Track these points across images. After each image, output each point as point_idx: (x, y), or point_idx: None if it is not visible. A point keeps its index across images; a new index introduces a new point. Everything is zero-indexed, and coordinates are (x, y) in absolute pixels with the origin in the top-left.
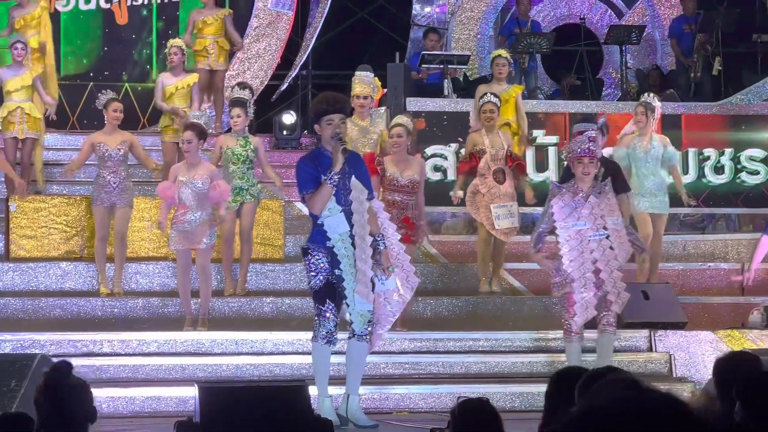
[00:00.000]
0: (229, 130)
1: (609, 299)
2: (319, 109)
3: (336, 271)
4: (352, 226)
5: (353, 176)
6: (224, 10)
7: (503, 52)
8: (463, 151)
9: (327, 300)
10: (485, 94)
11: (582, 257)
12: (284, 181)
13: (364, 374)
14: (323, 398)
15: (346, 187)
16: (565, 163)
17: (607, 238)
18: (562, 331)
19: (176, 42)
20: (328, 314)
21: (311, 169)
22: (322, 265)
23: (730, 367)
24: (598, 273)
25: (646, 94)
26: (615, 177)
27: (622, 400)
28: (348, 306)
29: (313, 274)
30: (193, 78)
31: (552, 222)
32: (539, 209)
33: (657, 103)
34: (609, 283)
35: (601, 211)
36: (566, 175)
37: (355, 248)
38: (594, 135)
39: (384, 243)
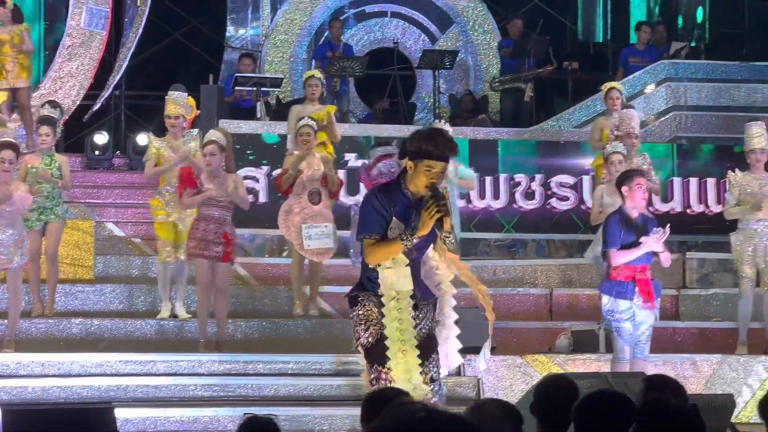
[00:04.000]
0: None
1: None
2: (423, 149)
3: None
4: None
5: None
6: (22, 25)
7: (316, 73)
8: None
9: (387, 358)
10: (303, 117)
11: None
12: (96, 201)
13: (170, 396)
14: None
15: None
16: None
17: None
18: None
19: None
20: (390, 377)
21: (382, 210)
22: (374, 316)
23: (548, 391)
24: None
25: (436, 120)
26: None
27: (411, 422)
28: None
29: (363, 327)
30: (1, 97)
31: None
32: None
33: (449, 129)
34: None
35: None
36: None
37: (417, 311)
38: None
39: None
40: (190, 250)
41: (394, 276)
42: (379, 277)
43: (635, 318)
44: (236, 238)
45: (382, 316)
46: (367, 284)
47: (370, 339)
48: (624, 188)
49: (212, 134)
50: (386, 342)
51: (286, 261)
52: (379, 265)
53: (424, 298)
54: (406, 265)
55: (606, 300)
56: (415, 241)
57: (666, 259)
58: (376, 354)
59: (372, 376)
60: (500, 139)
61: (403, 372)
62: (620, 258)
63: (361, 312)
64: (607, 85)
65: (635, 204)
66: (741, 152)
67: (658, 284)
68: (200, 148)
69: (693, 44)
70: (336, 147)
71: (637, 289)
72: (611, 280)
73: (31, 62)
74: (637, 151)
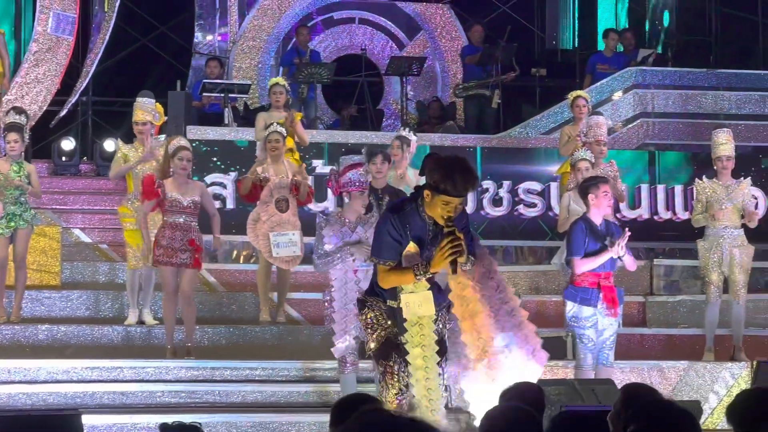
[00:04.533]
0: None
1: None
2: (441, 187)
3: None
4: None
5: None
6: None
7: (280, 80)
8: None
9: (393, 353)
10: (272, 124)
11: (346, 287)
12: (63, 207)
13: (137, 402)
14: None
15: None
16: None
17: None
18: (337, 361)
19: None
20: (395, 368)
21: (397, 235)
22: (382, 321)
23: (515, 397)
24: None
25: (401, 128)
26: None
27: (377, 425)
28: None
29: (370, 331)
30: None
31: (322, 249)
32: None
33: (413, 137)
34: None
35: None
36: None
37: (440, 336)
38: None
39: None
40: (156, 258)
41: (417, 301)
42: (401, 302)
43: (598, 325)
44: (203, 244)
45: (389, 317)
46: (377, 289)
47: (374, 344)
48: (590, 196)
49: (182, 140)
50: (409, 368)
51: (254, 267)
52: (402, 289)
53: (437, 303)
54: (428, 289)
55: (570, 306)
56: (428, 276)
57: (631, 263)
58: (381, 353)
59: (381, 370)
60: (478, 146)
61: (426, 401)
62: (584, 266)
63: (370, 315)
64: (573, 93)
65: (601, 211)
66: (708, 159)
67: (621, 291)
68: (171, 154)
69: (660, 51)
70: (302, 154)
71: (601, 296)
72: (576, 287)
73: (5, 68)
74: (604, 158)
